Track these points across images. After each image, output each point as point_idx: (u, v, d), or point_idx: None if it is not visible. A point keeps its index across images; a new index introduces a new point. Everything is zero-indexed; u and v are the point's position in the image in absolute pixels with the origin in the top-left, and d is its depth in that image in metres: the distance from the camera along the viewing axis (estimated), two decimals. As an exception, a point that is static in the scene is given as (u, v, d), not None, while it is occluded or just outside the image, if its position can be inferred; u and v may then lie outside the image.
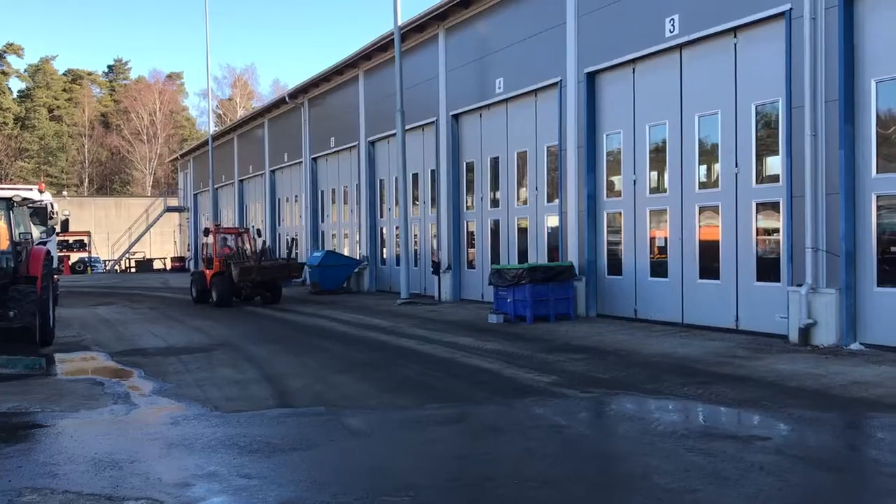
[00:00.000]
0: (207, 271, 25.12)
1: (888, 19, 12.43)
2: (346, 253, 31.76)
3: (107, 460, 7.18)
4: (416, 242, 26.92)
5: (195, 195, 57.24)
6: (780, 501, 5.86)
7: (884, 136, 12.68)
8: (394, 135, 26.43)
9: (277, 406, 9.79)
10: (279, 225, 41.06)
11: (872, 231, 12.68)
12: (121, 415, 9.39)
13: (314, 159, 35.30)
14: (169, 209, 64.09)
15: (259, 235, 28.39)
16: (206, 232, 25.77)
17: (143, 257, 62.19)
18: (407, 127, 24.29)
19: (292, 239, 30.40)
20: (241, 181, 46.47)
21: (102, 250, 64.34)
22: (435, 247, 25.29)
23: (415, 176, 26.46)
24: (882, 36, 12.50)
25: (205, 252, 26.13)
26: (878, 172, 12.61)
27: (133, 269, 59.42)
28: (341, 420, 8.94)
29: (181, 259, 59.19)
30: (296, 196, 38.27)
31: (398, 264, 26.89)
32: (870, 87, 12.63)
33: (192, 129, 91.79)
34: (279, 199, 40.85)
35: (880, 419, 8.21)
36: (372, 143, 29.73)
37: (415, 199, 26.77)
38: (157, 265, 59.94)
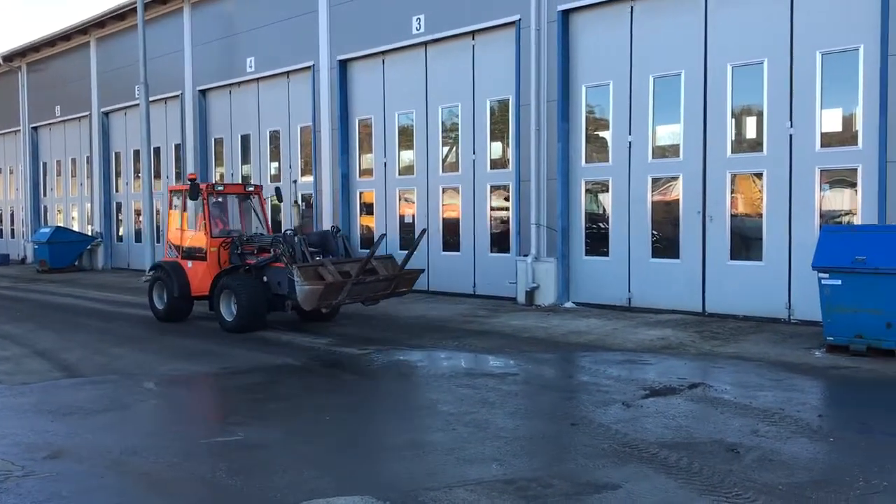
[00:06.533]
0: (190, 263, 14.19)
1: (595, 35, 15.23)
2: (76, 229, 30.04)
3: (-86, 432, 7.19)
4: (159, 218, 26.38)
5: None
6: (534, 414, 7.75)
7: (590, 132, 15.53)
8: (131, 106, 25.79)
9: (66, 377, 9.96)
10: (-12, 198, 37.34)
11: (581, 210, 15.52)
12: None
13: (35, 128, 32.73)
14: None
15: (279, 199, 16.23)
16: (195, 191, 13.85)
17: None
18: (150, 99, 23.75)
19: (423, 229, 14.08)
20: (-64, 148, 41.21)
21: None
22: (182, 222, 25.00)
23: (157, 149, 25.90)
24: (590, 49, 15.28)
25: (180, 226, 14.67)
26: (586, 162, 15.44)
27: None
28: (141, 384, 9.46)
29: None
30: (10, 168, 35.11)
31: (138, 240, 26.31)
32: (581, 92, 15.39)
33: None
34: (-12, 170, 37.08)
35: (591, 356, 10.59)
36: (106, 115, 28.43)
37: (156, 173, 26.20)
38: None
